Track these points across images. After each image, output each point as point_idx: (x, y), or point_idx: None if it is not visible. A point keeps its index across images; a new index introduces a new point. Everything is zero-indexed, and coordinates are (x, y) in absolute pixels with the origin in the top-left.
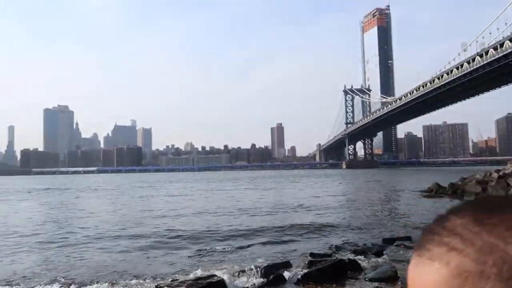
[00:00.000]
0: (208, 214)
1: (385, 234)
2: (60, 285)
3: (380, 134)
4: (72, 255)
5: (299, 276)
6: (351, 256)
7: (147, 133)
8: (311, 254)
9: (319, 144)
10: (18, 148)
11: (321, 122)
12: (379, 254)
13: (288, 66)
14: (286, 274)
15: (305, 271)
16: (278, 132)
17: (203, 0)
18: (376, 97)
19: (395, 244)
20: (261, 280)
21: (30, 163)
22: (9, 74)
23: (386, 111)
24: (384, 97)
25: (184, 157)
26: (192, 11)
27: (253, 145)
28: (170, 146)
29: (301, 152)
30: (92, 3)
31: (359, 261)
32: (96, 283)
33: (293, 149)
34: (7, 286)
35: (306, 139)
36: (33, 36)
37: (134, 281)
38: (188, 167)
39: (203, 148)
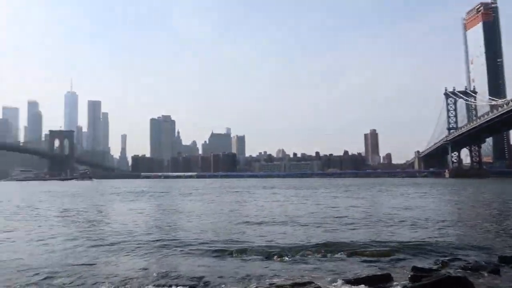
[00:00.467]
0: (301, 221)
1: (503, 252)
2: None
3: (489, 140)
4: (172, 257)
5: None
6: (461, 273)
7: (241, 140)
8: (414, 268)
9: (418, 151)
10: (129, 154)
11: (419, 128)
12: (495, 272)
13: (381, 69)
14: (388, 286)
15: (409, 285)
16: (372, 138)
17: (289, 7)
18: (483, 99)
19: None
20: None
21: (139, 167)
22: (118, 86)
23: (497, 114)
24: (493, 99)
25: (276, 164)
26: (275, 19)
27: (346, 152)
28: (262, 153)
29: (397, 159)
30: (183, 15)
31: (470, 279)
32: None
33: (388, 156)
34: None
35: (402, 146)
36: (132, 49)
37: (229, 285)
38: (280, 173)
39: (295, 154)
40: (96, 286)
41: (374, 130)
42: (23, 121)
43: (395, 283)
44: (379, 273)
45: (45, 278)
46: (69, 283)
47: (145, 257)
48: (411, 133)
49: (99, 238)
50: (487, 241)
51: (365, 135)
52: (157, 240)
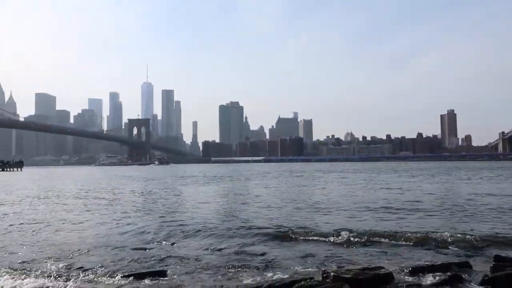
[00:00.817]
0: (370, 206)
1: None
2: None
3: None
4: (241, 238)
5: (481, 279)
6: None
7: (308, 124)
8: (496, 257)
9: (503, 132)
10: (200, 140)
11: (504, 109)
12: None
13: (460, 49)
14: (465, 275)
15: (490, 275)
16: (449, 119)
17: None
18: None
19: None
20: (435, 278)
21: (209, 152)
22: (189, 76)
23: None
24: None
25: (345, 147)
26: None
27: (419, 134)
28: (330, 137)
29: (477, 141)
30: (250, 7)
31: None
32: (269, 269)
33: (467, 138)
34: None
35: (483, 128)
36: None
37: (299, 268)
38: (348, 157)
39: (364, 138)
40: (172, 264)
41: (452, 111)
42: (106, 110)
43: (474, 271)
44: (456, 261)
45: (123, 257)
46: (143, 260)
47: (217, 239)
48: (494, 114)
49: (174, 219)
50: None
51: (442, 116)
52: (227, 221)
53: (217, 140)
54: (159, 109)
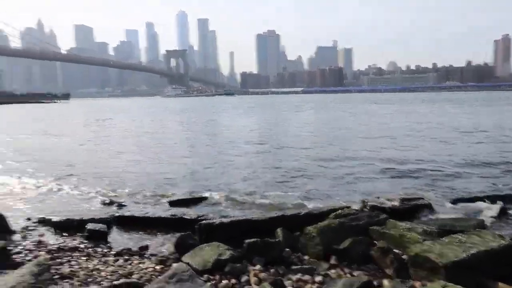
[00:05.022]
0: (413, 135)
1: None
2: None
3: None
4: (284, 162)
5: None
6: None
7: (348, 53)
8: None
9: None
10: (237, 71)
11: None
12: None
13: None
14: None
15: None
16: (504, 45)
17: None
18: None
19: None
20: (476, 210)
21: (247, 84)
22: (224, 3)
23: None
24: None
25: (386, 77)
26: None
27: (469, 62)
28: (371, 66)
29: None
30: None
31: None
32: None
33: None
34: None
35: None
36: None
37: (340, 199)
38: (390, 87)
39: (408, 67)
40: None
41: (507, 35)
42: (142, 41)
43: None
44: (504, 193)
45: (175, 182)
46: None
47: (261, 163)
48: None
49: (217, 143)
50: None
51: (495, 42)
52: (270, 146)
53: (255, 71)
54: (194, 39)
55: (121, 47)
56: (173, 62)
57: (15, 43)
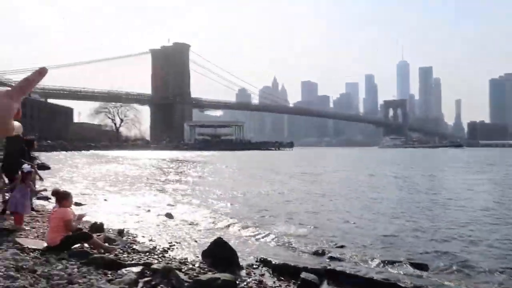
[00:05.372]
0: None
1: None
2: None
3: None
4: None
5: None
6: None
7: None
8: None
9: None
10: (464, 121)
11: None
12: None
13: None
14: None
15: None
16: None
17: None
18: None
19: None
20: None
21: (476, 134)
22: (450, 50)
23: None
24: None
25: None
26: None
27: None
28: None
29: None
30: None
31: None
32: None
33: None
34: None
35: None
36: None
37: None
38: None
39: None
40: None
41: None
42: (361, 93)
43: None
44: None
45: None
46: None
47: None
48: None
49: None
50: None
51: None
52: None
53: (487, 121)
54: (416, 88)
55: (340, 99)
56: (391, 112)
57: (255, 99)
